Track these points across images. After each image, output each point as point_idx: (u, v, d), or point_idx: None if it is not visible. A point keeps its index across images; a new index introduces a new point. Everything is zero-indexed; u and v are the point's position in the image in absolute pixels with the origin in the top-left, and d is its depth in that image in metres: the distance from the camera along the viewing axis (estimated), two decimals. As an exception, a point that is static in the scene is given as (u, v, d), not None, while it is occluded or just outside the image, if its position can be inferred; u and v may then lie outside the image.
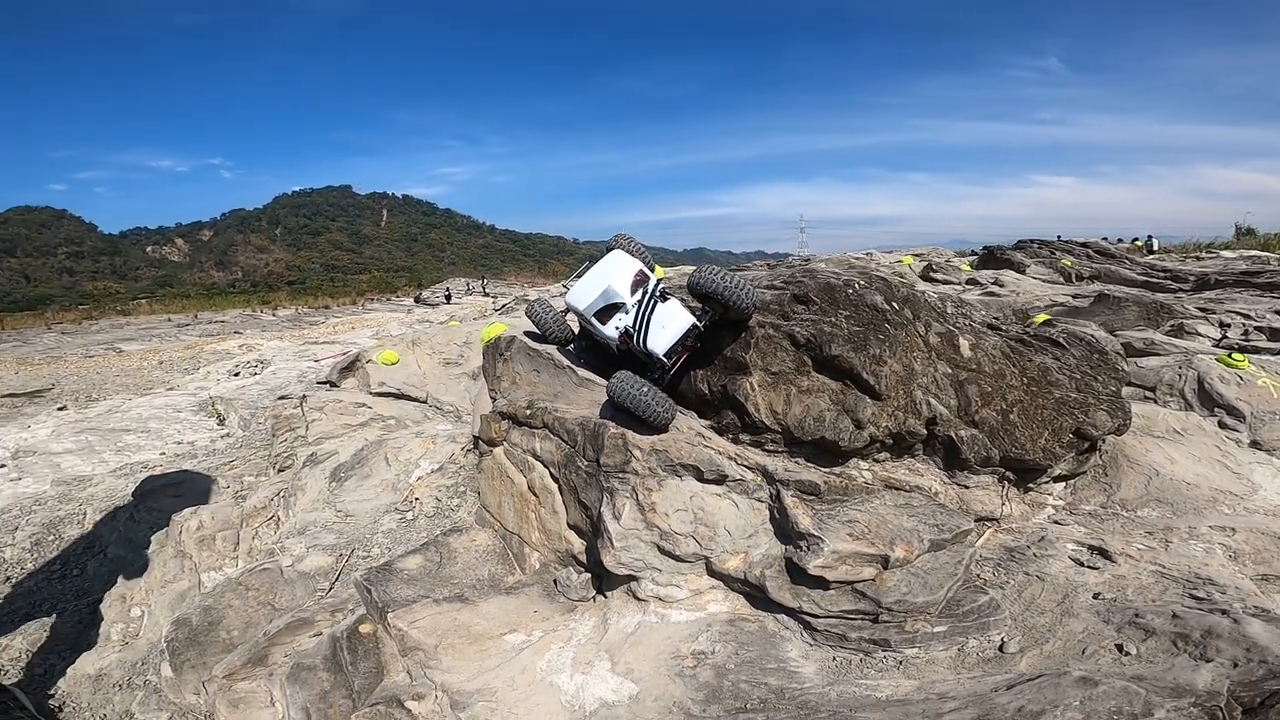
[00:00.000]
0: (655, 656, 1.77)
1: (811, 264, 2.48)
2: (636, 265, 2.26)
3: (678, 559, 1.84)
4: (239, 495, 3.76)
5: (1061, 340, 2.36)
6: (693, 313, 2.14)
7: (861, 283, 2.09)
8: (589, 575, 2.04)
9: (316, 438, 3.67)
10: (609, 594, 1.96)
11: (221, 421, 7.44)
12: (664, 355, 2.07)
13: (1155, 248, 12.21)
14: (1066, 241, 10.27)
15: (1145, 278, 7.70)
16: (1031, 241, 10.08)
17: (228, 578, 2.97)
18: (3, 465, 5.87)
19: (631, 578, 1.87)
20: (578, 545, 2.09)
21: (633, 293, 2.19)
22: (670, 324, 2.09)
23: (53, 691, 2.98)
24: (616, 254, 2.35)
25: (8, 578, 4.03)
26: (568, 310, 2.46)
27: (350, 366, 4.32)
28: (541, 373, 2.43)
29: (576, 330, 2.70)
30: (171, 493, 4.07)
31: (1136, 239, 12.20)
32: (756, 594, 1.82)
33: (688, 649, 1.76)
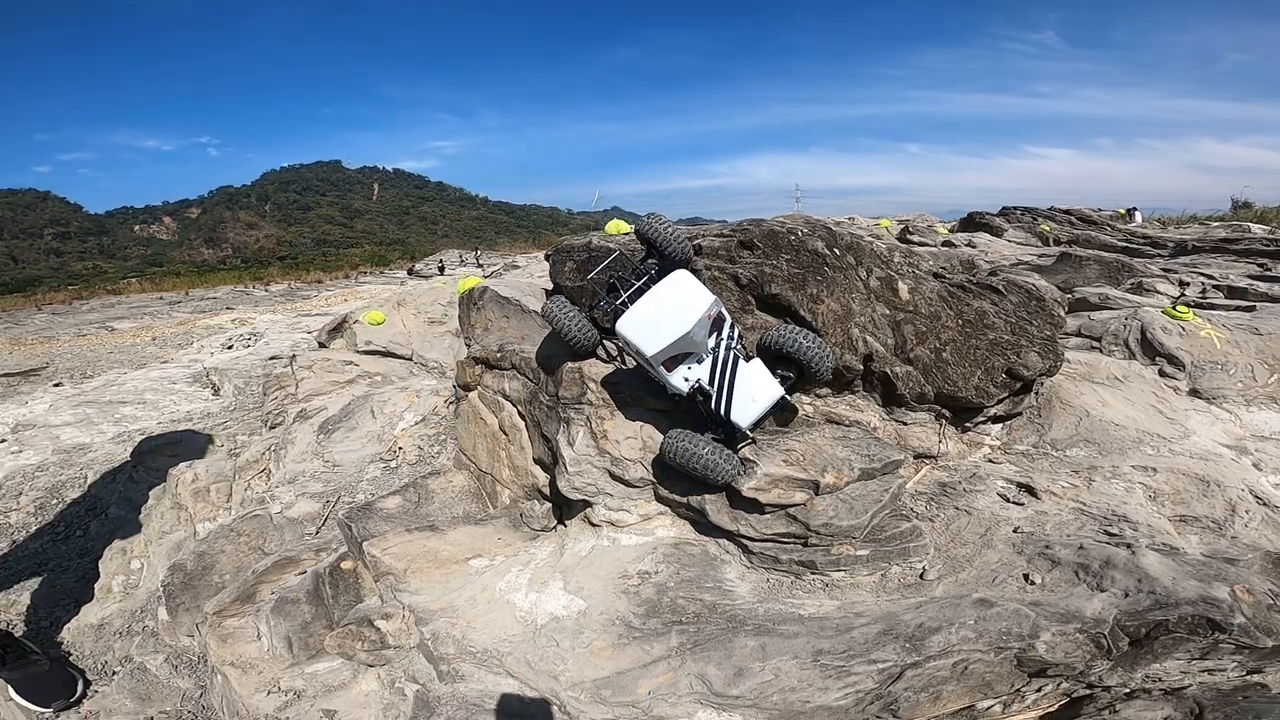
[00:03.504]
0: (604, 576, 1.93)
1: (763, 217, 2.55)
2: (709, 300, 1.81)
3: (627, 484, 2.00)
4: (233, 452, 3.91)
5: (1000, 287, 2.50)
6: (773, 373, 1.92)
7: (805, 230, 2.21)
8: (550, 505, 2.20)
9: (306, 395, 3.81)
10: (568, 523, 2.12)
11: (217, 391, 7.56)
12: (748, 428, 1.88)
13: (1139, 219, 12.29)
14: (1051, 209, 10.38)
15: (1125, 243, 7.81)
16: (1015, 208, 10.19)
17: (220, 525, 3.14)
18: (3, 440, 5.98)
19: (586, 503, 2.03)
20: (542, 479, 2.25)
21: (709, 336, 1.88)
22: (760, 395, 1.87)
23: (59, 641, 3.13)
24: (685, 280, 1.86)
25: (14, 541, 4.16)
26: (612, 334, 1.99)
27: (338, 327, 4.45)
28: (511, 318, 2.57)
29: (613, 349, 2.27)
30: (168, 452, 4.21)
31: (1119, 209, 12.30)
32: (699, 519, 1.98)
33: (634, 569, 1.92)
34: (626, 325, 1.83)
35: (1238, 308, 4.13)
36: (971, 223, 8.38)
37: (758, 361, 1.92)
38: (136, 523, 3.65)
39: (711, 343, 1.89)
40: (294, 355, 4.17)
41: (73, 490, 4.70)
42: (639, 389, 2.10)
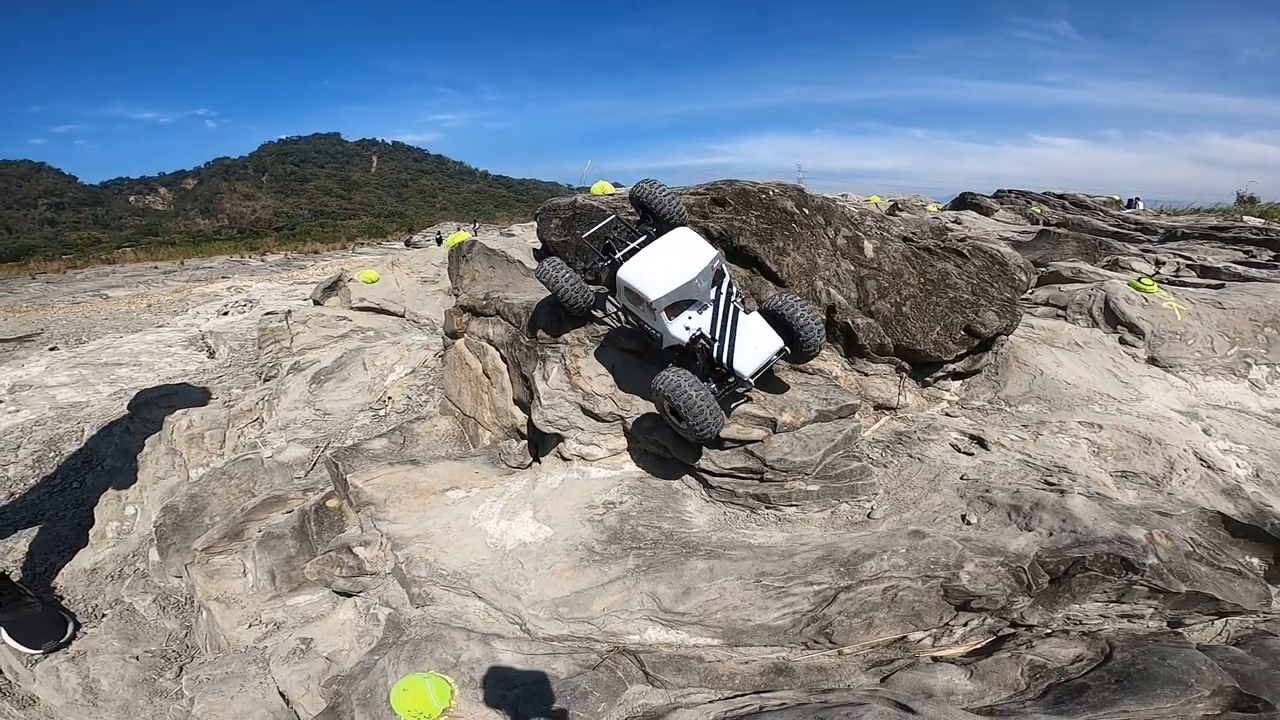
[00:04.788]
0: (572, 506, 2.06)
1: (736, 178, 2.63)
2: (712, 253, 1.89)
3: (598, 419, 2.12)
4: (228, 403, 4.03)
5: (965, 251, 2.60)
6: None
7: (776, 190, 2.32)
8: (527, 443, 2.32)
9: (300, 348, 3.92)
10: (543, 459, 2.24)
11: (212, 354, 7.66)
12: (750, 377, 1.90)
13: (1140, 208, 12.35)
14: (1046, 193, 10.46)
15: (1116, 228, 7.90)
16: (1010, 191, 10.27)
17: (213, 469, 3.26)
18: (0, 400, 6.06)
19: (559, 437, 2.15)
20: (520, 419, 2.37)
21: (709, 288, 1.94)
22: (762, 344, 1.91)
23: (53, 586, 3.25)
24: (688, 234, 1.96)
25: (12, 493, 4.26)
26: (613, 286, 2.05)
27: (333, 286, 4.55)
28: (496, 269, 2.68)
29: (614, 306, 2.26)
30: (164, 404, 4.33)
31: (1113, 196, 12.36)
32: (664, 454, 2.10)
33: (600, 500, 2.05)
34: (629, 272, 1.88)
35: (1208, 285, 4.24)
36: (963, 202, 8.47)
37: (757, 314, 1.95)
38: (132, 473, 3.76)
39: (712, 295, 1.92)
40: (289, 311, 4.27)
41: (70, 444, 4.81)
42: (613, 330, 2.21)
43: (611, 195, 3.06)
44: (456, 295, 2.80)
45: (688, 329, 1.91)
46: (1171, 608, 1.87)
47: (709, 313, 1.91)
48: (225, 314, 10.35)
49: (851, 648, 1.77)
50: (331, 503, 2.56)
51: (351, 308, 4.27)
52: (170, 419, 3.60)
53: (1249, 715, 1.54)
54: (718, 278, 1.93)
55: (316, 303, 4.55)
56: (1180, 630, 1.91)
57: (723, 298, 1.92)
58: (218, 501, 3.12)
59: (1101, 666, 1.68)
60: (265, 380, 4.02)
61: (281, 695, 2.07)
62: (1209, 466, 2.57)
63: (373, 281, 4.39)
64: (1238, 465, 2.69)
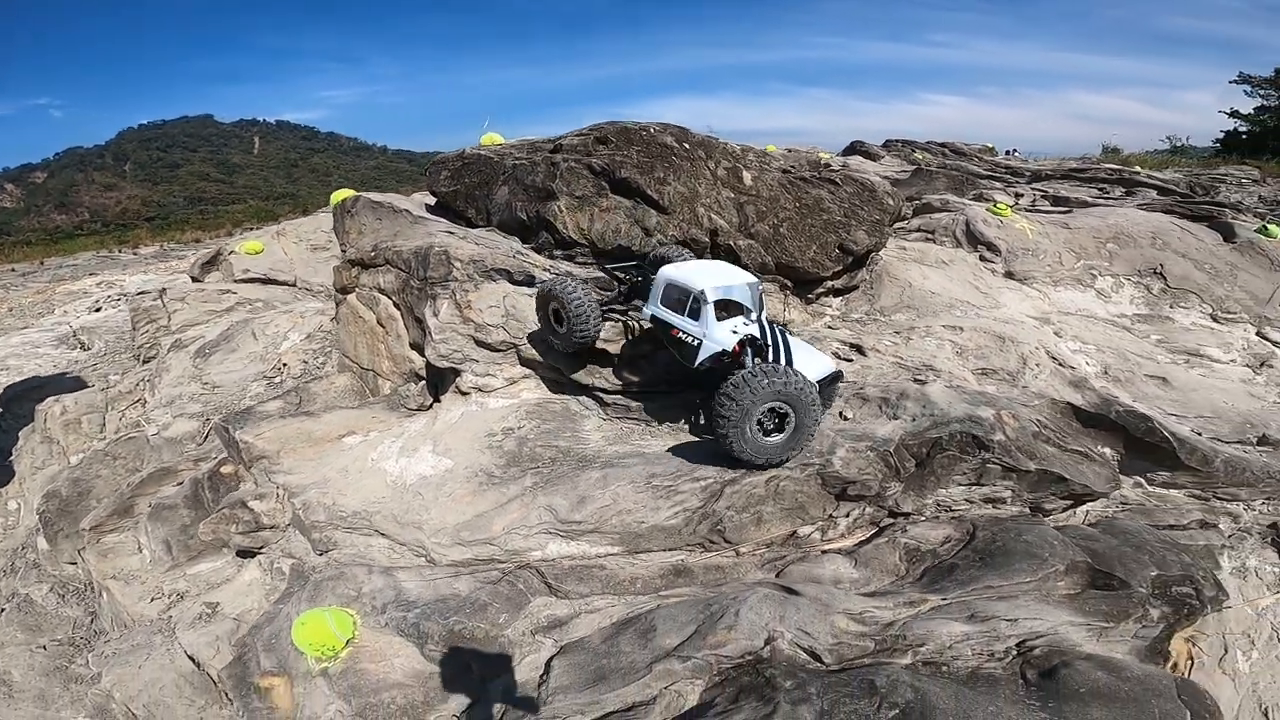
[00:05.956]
0: (471, 437, 2.10)
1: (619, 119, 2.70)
2: (753, 277, 2.09)
3: (491, 348, 2.16)
4: (105, 388, 3.78)
5: (838, 179, 2.79)
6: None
7: (656, 128, 2.40)
8: (425, 384, 2.34)
9: (180, 325, 3.71)
10: (442, 398, 2.27)
11: (85, 348, 7.09)
12: (818, 380, 2.01)
13: (1016, 155, 13.19)
14: (929, 142, 11.10)
15: (989, 172, 8.50)
16: (897, 140, 10.87)
17: (95, 451, 3.08)
18: None
19: (455, 372, 2.18)
20: (419, 363, 2.37)
21: (755, 307, 2.08)
22: (815, 360, 2.06)
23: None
24: (722, 262, 2.21)
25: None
26: (656, 285, 2.06)
27: (212, 261, 4.30)
28: (384, 220, 2.63)
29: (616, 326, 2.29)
30: (34, 396, 4.01)
31: (987, 144, 13.18)
32: (560, 377, 2.18)
33: (499, 427, 2.10)
34: (673, 271, 1.99)
35: (1058, 211, 4.69)
36: (853, 150, 8.89)
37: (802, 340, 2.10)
38: (8, 469, 3.54)
39: (756, 315, 2.06)
40: (164, 289, 4.02)
41: (-65, 452, 4.39)
42: (500, 265, 2.24)
43: (500, 145, 3.06)
44: (344, 251, 2.75)
45: (735, 333, 1.99)
46: (1028, 489, 2.09)
47: (755, 327, 2.02)
48: (98, 309, 9.50)
49: (747, 546, 1.91)
50: (226, 469, 2.49)
51: (235, 280, 4.06)
52: (41, 407, 3.37)
53: (1106, 593, 1.77)
54: (759, 304, 2.06)
55: (195, 279, 4.30)
56: (1043, 520, 2.15)
57: (768, 319, 2.07)
58: (103, 483, 2.97)
59: (967, 546, 1.89)
60: (145, 362, 3.80)
61: (191, 659, 2.05)
62: (1059, 363, 2.89)
63: (257, 252, 4.18)
64: (1087, 363, 3.04)
